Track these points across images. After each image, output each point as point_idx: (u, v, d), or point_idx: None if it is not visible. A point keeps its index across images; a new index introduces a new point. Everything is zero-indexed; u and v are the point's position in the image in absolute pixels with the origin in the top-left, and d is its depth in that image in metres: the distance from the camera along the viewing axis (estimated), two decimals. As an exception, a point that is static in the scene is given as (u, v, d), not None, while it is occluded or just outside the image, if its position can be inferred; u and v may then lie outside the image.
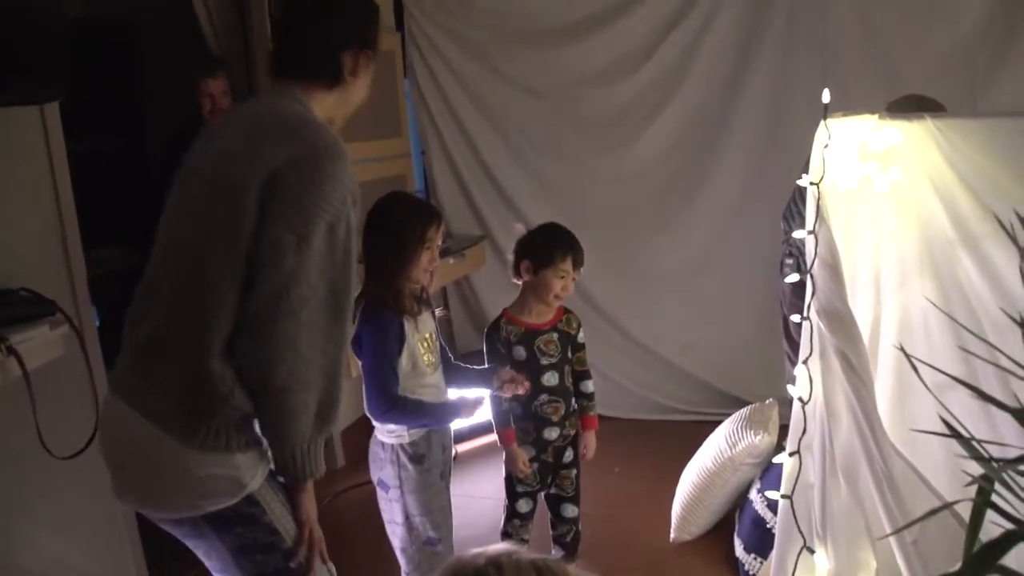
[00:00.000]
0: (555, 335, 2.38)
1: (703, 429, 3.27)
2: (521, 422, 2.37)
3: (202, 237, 1.48)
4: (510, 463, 2.38)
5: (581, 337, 2.45)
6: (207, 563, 1.67)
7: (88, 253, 2.48)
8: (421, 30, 4.21)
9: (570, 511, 2.50)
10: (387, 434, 2.13)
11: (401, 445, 2.11)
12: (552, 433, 2.38)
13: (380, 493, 2.20)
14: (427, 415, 2.10)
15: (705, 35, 3.86)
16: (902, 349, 1.49)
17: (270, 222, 1.42)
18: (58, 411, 2.15)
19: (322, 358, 1.47)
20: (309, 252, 1.42)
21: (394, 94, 4.22)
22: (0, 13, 1.84)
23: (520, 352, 2.36)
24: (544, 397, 2.35)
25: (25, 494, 2.23)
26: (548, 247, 2.33)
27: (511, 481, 2.44)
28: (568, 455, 2.45)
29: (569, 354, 2.41)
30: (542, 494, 2.49)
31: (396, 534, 2.19)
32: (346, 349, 1.52)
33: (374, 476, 2.21)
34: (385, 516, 2.22)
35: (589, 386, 2.48)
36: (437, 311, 2.20)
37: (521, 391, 2.23)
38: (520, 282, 2.38)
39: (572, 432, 2.43)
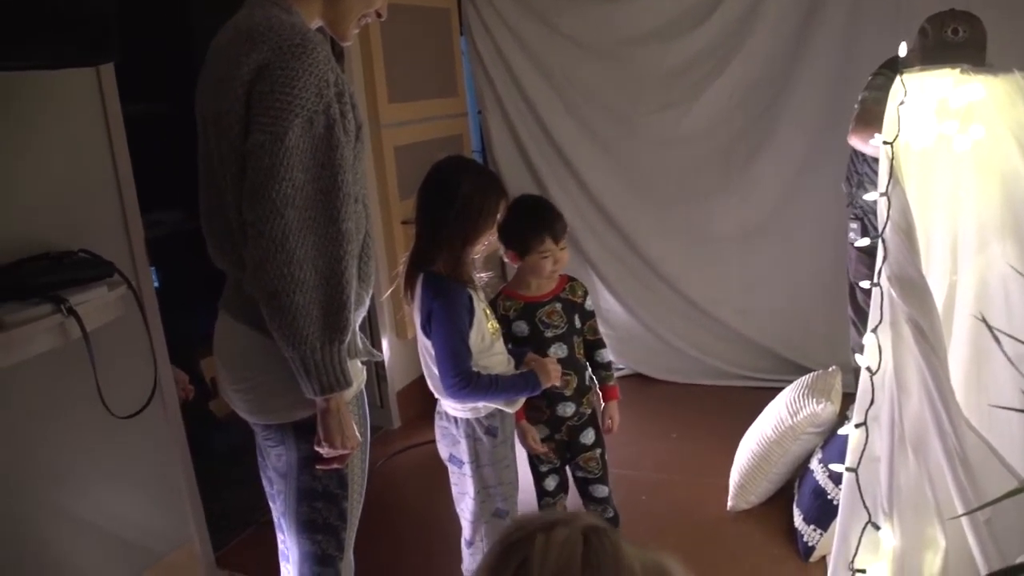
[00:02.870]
0: (558, 305, 2.28)
1: (763, 396, 3.21)
2: (533, 399, 2.26)
3: (215, 166, 1.53)
4: (521, 440, 2.29)
5: (589, 304, 2.35)
6: (268, 474, 1.76)
7: (144, 216, 2.50)
8: (476, -14, 4.13)
9: (600, 491, 2.41)
10: (460, 409, 2.07)
11: (477, 419, 2.07)
12: (567, 409, 2.30)
13: (452, 468, 2.17)
14: (504, 390, 2.02)
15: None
16: (985, 321, 1.40)
17: (251, 132, 1.42)
18: (118, 371, 2.18)
19: (319, 258, 1.44)
20: (284, 149, 1.40)
21: (450, 53, 4.16)
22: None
23: (522, 327, 2.27)
24: None
25: (87, 453, 2.27)
26: (521, 232, 2.21)
27: (533, 460, 2.39)
28: (587, 436, 2.35)
29: (577, 323, 2.32)
30: (569, 470, 2.42)
31: (467, 507, 2.15)
32: (349, 249, 1.47)
33: (444, 452, 2.18)
34: (456, 490, 2.18)
35: (605, 355, 2.39)
36: (486, 275, 2.12)
37: (554, 363, 2.15)
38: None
39: (588, 411, 2.34)
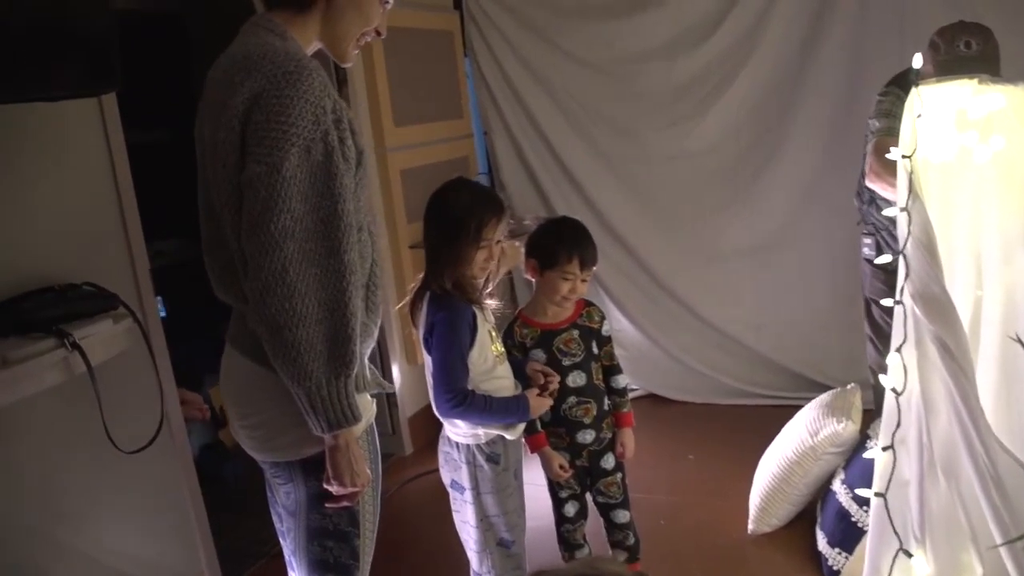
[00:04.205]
0: (575, 332, 2.24)
1: (780, 414, 3.15)
2: (552, 427, 2.24)
3: (213, 196, 1.50)
4: (546, 468, 2.26)
5: (606, 330, 2.30)
6: (278, 510, 1.72)
7: (149, 246, 2.47)
8: (479, 7, 4.11)
9: (622, 516, 2.36)
10: (461, 435, 2.04)
11: (477, 446, 2.03)
12: (586, 436, 2.25)
13: (454, 495, 2.13)
14: (496, 411, 1.99)
15: (773, 6, 3.68)
16: (1018, 339, 1.35)
17: (247, 163, 1.39)
18: (125, 404, 2.14)
19: (322, 291, 1.40)
20: (281, 180, 1.36)
21: (454, 74, 4.15)
22: (48, 5, 1.81)
23: (539, 355, 2.23)
24: (572, 399, 2.23)
25: (94, 489, 2.23)
26: (553, 246, 2.20)
27: (552, 486, 2.34)
28: (608, 460, 2.31)
29: (595, 350, 2.27)
30: (590, 496, 2.37)
31: (470, 536, 2.11)
32: (353, 280, 1.43)
33: (446, 478, 2.14)
34: (458, 518, 2.14)
35: (620, 381, 2.34)
36: (493, 302, 2.08)
37: (552, 387, 2.11)
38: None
39: (609, 435, 2.30)
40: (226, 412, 1.70)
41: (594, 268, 2.23)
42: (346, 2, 1.57)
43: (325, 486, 1.52)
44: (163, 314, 3.42)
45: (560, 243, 2.20)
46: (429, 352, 1.98)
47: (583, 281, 2.20)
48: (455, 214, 1.94)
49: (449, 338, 1.93)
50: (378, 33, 1.64)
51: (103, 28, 1.94)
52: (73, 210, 2.23)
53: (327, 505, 1.56)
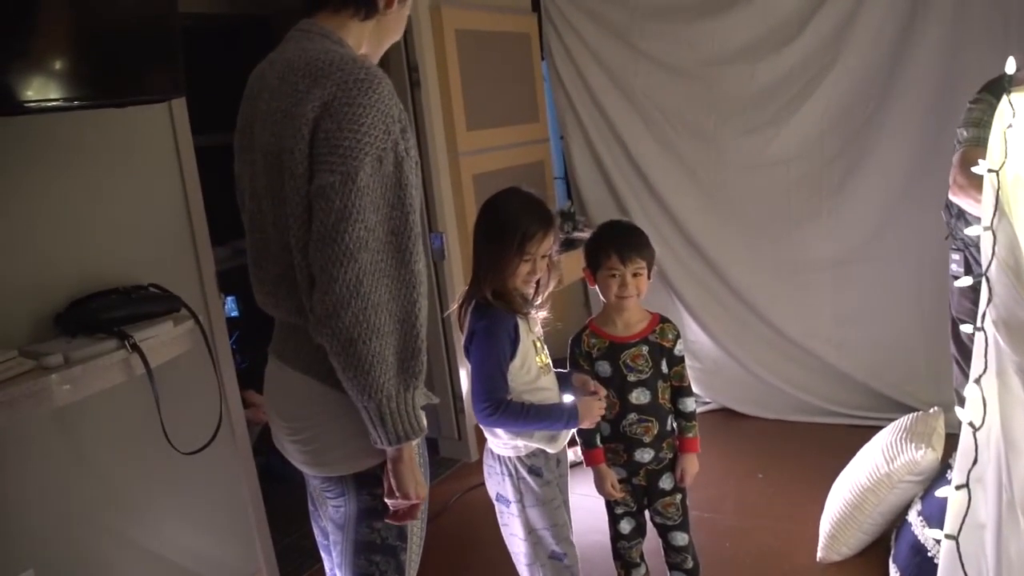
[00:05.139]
0: (645, 348, 2.15)
1: (858, 435, 3.03)
2: (610, 442, 2.17)
3: (266, 207, 1.46)
4: (598, 485, 2.18)
5: (679, 349, 2.20)
6: (321, 524, 1.72)
7: (229, 245, 2.51)
8: (557, 9, 4.06)
9: (680, 539, 2.26)
10: (502, 446, 2.01)
11: (519, 458, 2.00)
12: (645, 455, 2.17)
13: (500, 508, 2.09)
14: (534, 418, 1.94)
15: (861, 6, 3.50)
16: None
17: (317, 172, 1.36)
18: (187, 405, 2.19)
19: (392, 302, 1.37)
20: (356, 190, 1.32)
21: (531, 77, 4.11)
22: (112, 12, 1.85)
23: (604, 368, 2.16)
24: (633, 416, 2.14)
25: (155, 485, 2.28)
26: (594, 248, 2.16)
27: (608, 501, 2.26)
28: (667, 481, 2.22)
29: (664, 368, 2.18)
30: (648, 514, 2.29)
31: (520, 549, 2.07)
32: (422, 291, 1.40)
33: (492, 491, 2.11)
34: (506, 531, 2.10)
35: (689, 404, 2.22)
36: (542, 313, 2.05)
37: (599, 403, 2.05)
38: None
39: (670, 455, 2.21)
40: (272, 428, 1.66)
41: (644, 264, 2.13)
42: (399, 13, 1.56)
43: (387, 500, 1.49)
44: (234, 314, 3.52)
45: (598, 243, 2.16)
46: (469, 360, 1.97)
47: (635, 276, 2.12)
48: (501, 224, 1.92)
49: (487, 347, 1.91)
50: None
51: (170, 33, 1.99)
52: (142, 213, 2.28)
53: (387, 520, 1.53)
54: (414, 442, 1.46)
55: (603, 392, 2.08)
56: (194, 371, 2.26)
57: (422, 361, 1.42)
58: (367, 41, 1.55)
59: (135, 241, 2.25)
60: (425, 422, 1.54)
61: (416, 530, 1.64)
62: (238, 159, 1.57)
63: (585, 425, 2.03)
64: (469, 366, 1.97)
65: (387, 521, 1.53)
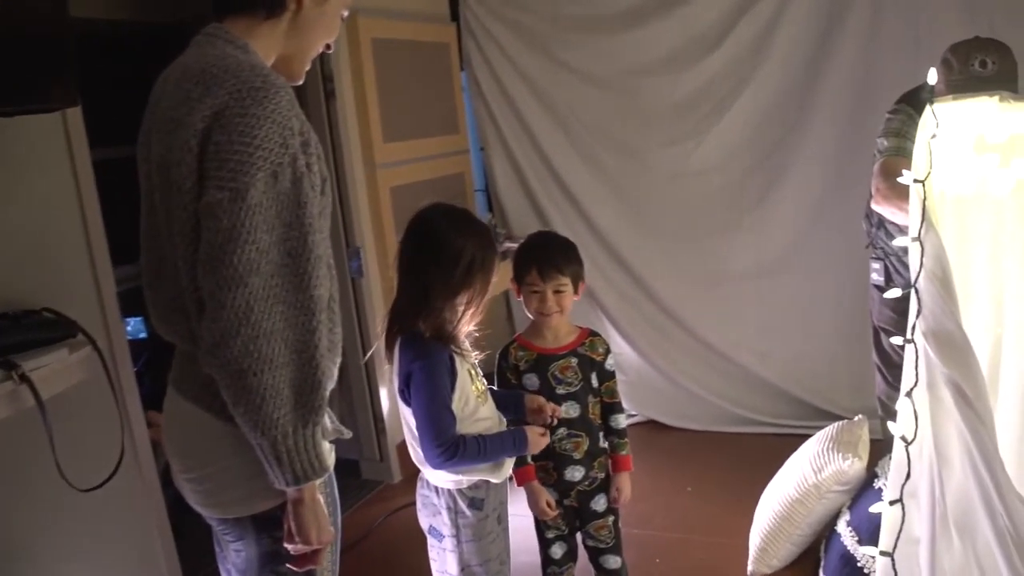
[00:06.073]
0: (574, 360, 2.10)
1: (784, 443, 3.05)
2: (539, 460, 2.09)
3: (160, 223, 1.36)
4: (532, 504, 2.11)
5: (610, 364, 2.15)
6: (227, 567, 1.59)
7: (128, 266, 2.35)
8: (477, 20, 4.00)
9: (612, 562, 2.21)
10: (441, 479, 1.89)
11: (459, 490, 1.88)
12: (575, 473, 2.11)
13: (432, 541, 1.97)
14: (492, 452, 1.83)
15: (781, 18, 3.55)
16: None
17: (206, 188, 1.24)
18: (86, 438, 2.02)
19: (288, 330, 1.26)
20: (247, 208, 1.21)
21: (451, 88, 4.03)
22: (6, 15, 1.71)
23: (532, 380, 2.10)
24: (562, 431, 2.08)
25: (50, 529, 2.10)
26: (518, 261, 2.10)
27: (539, 525, 2.19)
28: (599, 502, 2.16)
29: (594, 382, 2.13)
30: (579, 537, 2.23)
31: None
32: (322, 319, 1.30)
33: (424, 523, 1.99)
34: (436, 567, 1.99)
35: (621, 420, 2.18)
36: (472, 327, 1.93)
37: (552, 420, 1.99)
38: None
39: (601, 475, 2.16)
40: (170, 465, 1.54)
41: (567, 281, 2.07)
42: (316, 11, 1.44)
43: (286, 544, 1.38)
44: (143, 335, 3.33)
45: (520, 257, 2.11)
46: (407, 403, 1.83)
47: (556, 293, 2.06)
48: (470, 253, 1.78)
49: (430, 388, 1.78)
50: (328, 47, 1.52)
51: (61, 41, 1.84)
52: (34, 231, 2.11)
53: (288, 566, 1.41)
54: (317, 482, 1.35)
55: (560, 413, 2.02)
56: (93, 400, 2.10)
57: (323, 396, 1.31)
58: (284, 43, 1.44)
59: (27, 262, 2.08)
60: (330, 460, 1.43)
61: (327, 571, 1.53)
62: (140, 170, 1.44)
63: (533, 451, 1.94)
64: (407, 410, 1.84)
65: (288, 567, 1.41)
